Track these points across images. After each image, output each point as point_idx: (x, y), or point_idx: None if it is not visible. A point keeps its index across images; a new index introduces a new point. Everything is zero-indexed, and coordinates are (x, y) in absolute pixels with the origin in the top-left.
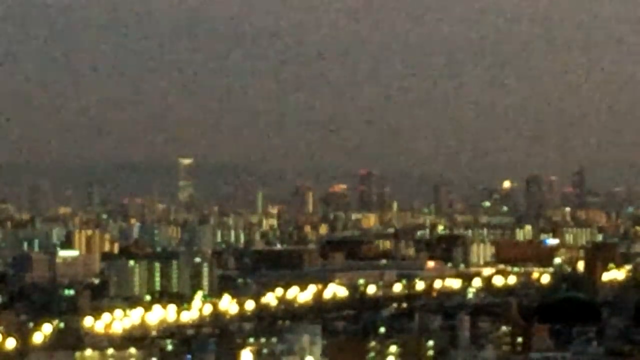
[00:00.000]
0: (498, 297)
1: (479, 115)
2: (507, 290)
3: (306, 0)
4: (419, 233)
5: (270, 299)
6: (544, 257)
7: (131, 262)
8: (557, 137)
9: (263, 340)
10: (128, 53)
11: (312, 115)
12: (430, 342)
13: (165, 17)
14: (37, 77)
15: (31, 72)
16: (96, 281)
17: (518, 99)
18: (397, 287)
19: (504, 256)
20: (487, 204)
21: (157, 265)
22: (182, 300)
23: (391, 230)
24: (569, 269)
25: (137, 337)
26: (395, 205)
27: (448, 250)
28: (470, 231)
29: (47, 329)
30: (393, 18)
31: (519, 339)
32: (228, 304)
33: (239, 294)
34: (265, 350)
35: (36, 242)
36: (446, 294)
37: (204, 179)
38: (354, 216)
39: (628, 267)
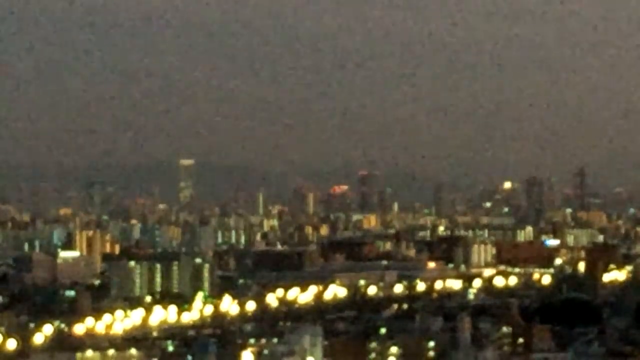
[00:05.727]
0: (499, 298)
1: (480, 116)
2: (508, 291)
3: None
4: (419, 234)
5: (271, 299)
6: (544, 258)
7: (132, 263)
8: (557, 137)
9: (264, 341)
10: (128, 54)
11: (313, 117)
12: (431, 343)
13: (166, 18)
14: (38, 77)
15: (32, 72)
16: (97, 282)
17: (519, 99)
18: (398, 288)
19: (505, 257)
20: (488, 204)
21: (158, 266)
22: (183, 301)
23: (392, 231)
24: (570, 270)
25: (137, 338)
26: (396, 206)
27: (449, 251)
28: (471, 232)
29: (47, 329)
30: (393, 18)
31: (520, 340)
32: (229, 305)
33: (240, 295)
34: (266, 351)
35: (37, 243)
36: (447, 294)
37: (204, 180)
38: (354, 217)
39: (629, 268)
